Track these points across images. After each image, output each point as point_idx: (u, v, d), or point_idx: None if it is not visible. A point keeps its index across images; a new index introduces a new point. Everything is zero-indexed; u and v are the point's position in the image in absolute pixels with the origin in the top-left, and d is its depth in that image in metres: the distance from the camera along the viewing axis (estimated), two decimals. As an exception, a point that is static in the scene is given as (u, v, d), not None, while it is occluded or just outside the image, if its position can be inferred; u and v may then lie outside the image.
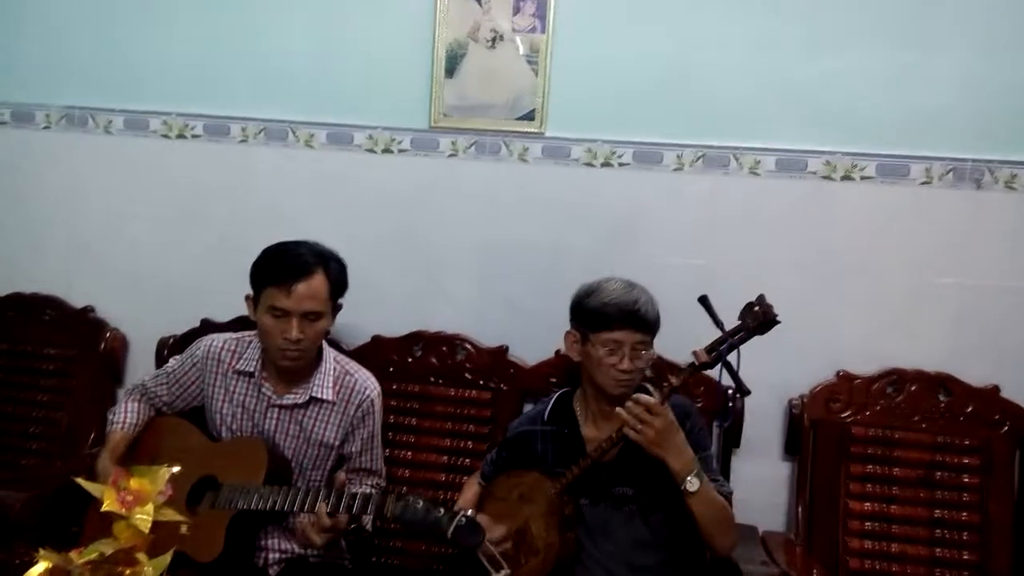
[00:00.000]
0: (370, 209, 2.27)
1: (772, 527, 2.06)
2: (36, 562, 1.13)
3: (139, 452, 1.83)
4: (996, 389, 2.00)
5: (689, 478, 1.54)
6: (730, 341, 1.52)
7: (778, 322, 1.50)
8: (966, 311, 2.05)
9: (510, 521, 1.66)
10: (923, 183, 2.04)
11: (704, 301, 1.57)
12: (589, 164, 2.16)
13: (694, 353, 1.56)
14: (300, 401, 1.80)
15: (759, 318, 1.51)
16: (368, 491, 1.63)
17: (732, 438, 2.04)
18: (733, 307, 1.56)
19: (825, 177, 2.07)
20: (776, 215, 2.10)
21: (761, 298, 1.52)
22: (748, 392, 1.53)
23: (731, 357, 1.53)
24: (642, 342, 1.64)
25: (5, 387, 2.36)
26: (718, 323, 1.55)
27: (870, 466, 1.99)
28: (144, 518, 1.14)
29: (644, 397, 1.55)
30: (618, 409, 1.58)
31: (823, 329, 2.08)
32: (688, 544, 1.71)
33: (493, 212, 2.22)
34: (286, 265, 1.71)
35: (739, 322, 1.53)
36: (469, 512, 1.48)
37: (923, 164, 2.03)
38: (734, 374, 1.52)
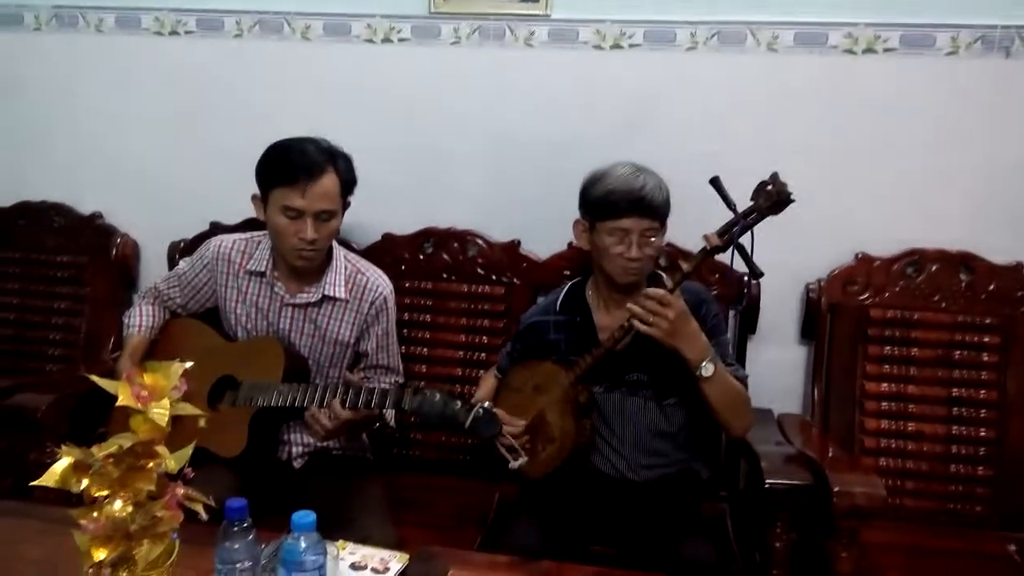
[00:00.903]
0: (373, 103, 2.21)
1: (788, 411, 2.07)
2: (59, 458, 1.15)
3: (157, 354, 1.85)
4: (1020, 265, 1.96)
5: (703, 364, 1.54)
6: (743, 223, 1.48)
7: (792, 201, 1.45)
8: (991, 187, 1.98)
9: (526, 411, 1.67)
10: (949, 54, 1.94)
11: (715, 183, 1.52)
12: (598, 47, 2.07)
13: (705, 237, 1.52)
14: (313, 300, 1.80)
15: (773, 197, 1.45)
16: (386, 387, 1.64)
17: (748, 324, 2.03)
18: (749, 192, 1.50)
19: (847, 51, 1.97)
20: (795, 94, 2.02)
21: (775, 176, 1.46)
22: (761, 274, 1.49)
23: (744, 240, 1.49)
24: (650, 229, 1.60)
25: (22, 295, 2.39)
26: (730, 205, 1.50)
27: (888, 348, 1.98)
28: (161, 412, 1.14)
29: (654, 290, 1.52)
30: (629, 305, 1.55)
31: (842, 211, 2.03)
32: (703, 428, 1.72)
33: (500, 102, 2.15)
34: (295, 164, 1.67)
35: (752, 203, 1.48)
36: (486, 404, 1.49)
37: (949, 33, 1.93)
38: (747, 256, 1.49)
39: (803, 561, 1.63)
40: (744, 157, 1.93)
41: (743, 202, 1.50)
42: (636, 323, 1.53)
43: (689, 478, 1.74)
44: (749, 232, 1.49)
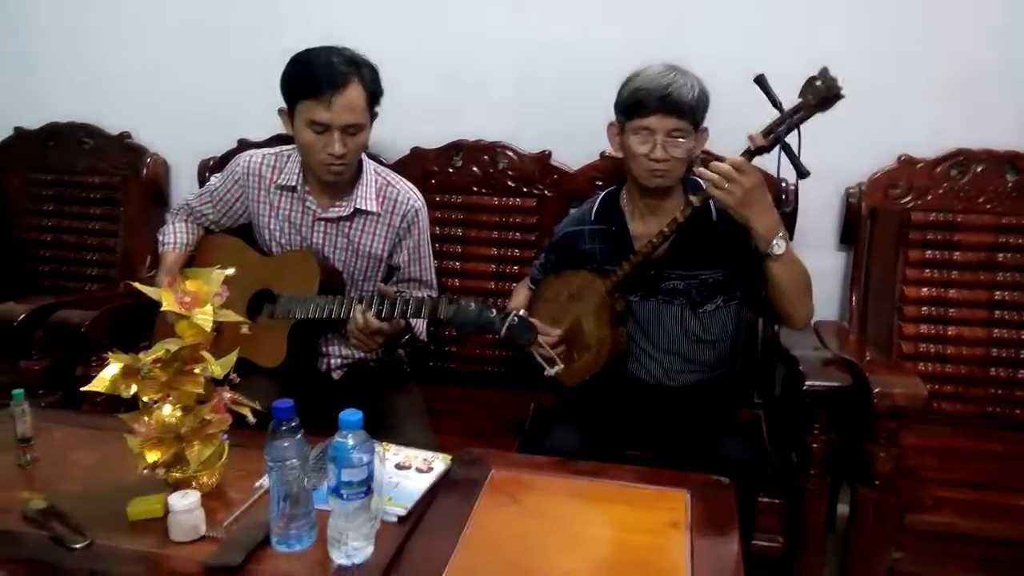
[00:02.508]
0: (399, 12, 2.14)
1: (824, 318, 2.04)
2: (108, 364, 1.17)
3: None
4: (1070, 164, 1.90)
5: (776, 241, 1.49)
6: (789, 121, 1.43)
7: (842, 96, 1.39)
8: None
9: (561, 321, 1.68)
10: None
11: (761, 81, 1.46)
12: (631, -56, 1.98)
13: (750, 137, 1.47)
14: (345, 213, 1.79)
15: (821, 93, 1.40)
16: (421, 297, 1.64)
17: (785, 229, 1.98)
18: (787, 95, 1.44)
19: (893, -58, 1.88)
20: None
21: (824, 71, 1.40)
22: (807, 173, 1.44)
23: (790, 139, 1.44)
24: (677, 129, 1.54)
25: (57, 216, 2.41)
26: (776, 103, 1.45)
27: (929, 252, 1.95)
28: (205, 317, 1.16)
29: (731, 157, 1.45)
30: (699, 169, 1.47)
31: (884, 112, 1.96)
32: (739, 335, 1.71)
33: (529, 8, 2.08)
34: (319, 76, 1.62)
35: (799, 100, 1.43)
36: (522, 311, 1.49)
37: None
38: (793, 156, 1.44)
39: (839, 463, 1.64)
40: (784, 57, 1.85)
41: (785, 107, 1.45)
42: (710, 188, 1.46)
43: (725, 383, 1.74)
44: (795, 132, 1.44)
